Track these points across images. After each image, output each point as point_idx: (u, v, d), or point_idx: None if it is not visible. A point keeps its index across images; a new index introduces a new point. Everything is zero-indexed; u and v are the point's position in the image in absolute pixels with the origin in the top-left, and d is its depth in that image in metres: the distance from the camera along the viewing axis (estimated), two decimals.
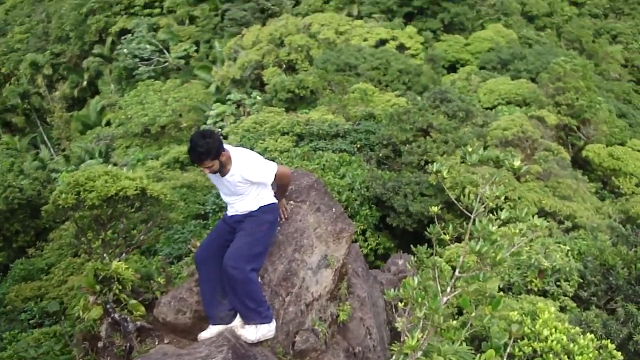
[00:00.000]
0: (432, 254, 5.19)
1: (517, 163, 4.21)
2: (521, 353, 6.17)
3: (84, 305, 5.66)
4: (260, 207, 5.19)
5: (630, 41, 48.18)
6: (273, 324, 5.11)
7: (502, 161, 4.19)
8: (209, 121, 36.66)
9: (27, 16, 59.49)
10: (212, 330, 5.08)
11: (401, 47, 39.95)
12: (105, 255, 7.76)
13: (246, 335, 4.97)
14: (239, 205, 5.21)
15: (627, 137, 30.40)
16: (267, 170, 5.10)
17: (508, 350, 5.31)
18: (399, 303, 5.15)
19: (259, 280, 5.26)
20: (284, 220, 5.63)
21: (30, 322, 13.27)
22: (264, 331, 5.02)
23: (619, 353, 6.32)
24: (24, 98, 50.74)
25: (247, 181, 5.03)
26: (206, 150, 4.77)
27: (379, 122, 24.06)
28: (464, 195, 4.62)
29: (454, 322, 4.77)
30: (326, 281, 5.73)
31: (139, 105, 40.31)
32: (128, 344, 5.57)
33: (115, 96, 47.56)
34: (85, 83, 51.28)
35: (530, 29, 45.94)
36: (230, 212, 5.33)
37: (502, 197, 4.28)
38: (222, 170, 5.00)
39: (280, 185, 5.42)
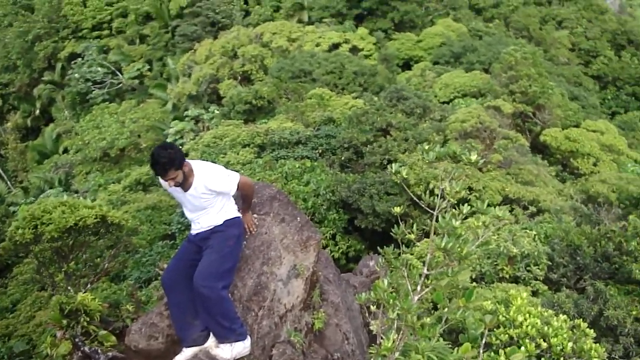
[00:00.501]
0: (399, 254, 5.19)
1: (473, 157, 4.24)
2: (498, 341, 6.23)
3: (51, 341, 5.52)
4: (225, 221, 5.16)
5: (575, 25, 49.33)
6: (248, 341, 5.05)
7: (459, 156, 4.22)
8: (169, 139, 36.21)
9: None
10: (186, 353, 5.00)
11: (354, 50, 40.17)
12: (69, 287, 7.56)
13: (222, 355, 4.91)
14: (203, 220, 5.15)
15: (580, 118, 31.11)
16: (230, 179, 5.09)
17: (485, 339, 5.35)
18: (372, 306, 5.15)
19: (229, 296, 5.19)
20: (252, 232, 5.56)
21: None
22: (239, 349, 4.96)
23: (592, 330, 6.45)
24: None
25: (211, 191, 5.02)
26: (169, 160, 4.77)
27: (339, 126, 24.15)
28: (427, 191, 4.64)
29: (428, 319, 4.77)
30: (298, 291, 5.69)
31: (95, 129, 39.63)
32: None
33: (70, 122, 46.66)
34: (37, 111, 50.20)
35: (478, 21, 46.69)
36: (194, 229, 5.25)
37: (464, 190, 4.30)
38: (185, 184, 4.97)
39: (245, 196, 5.39)
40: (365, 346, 6.58)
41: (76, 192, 33.46)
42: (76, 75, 46.56)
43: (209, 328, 5.00)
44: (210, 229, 5.15)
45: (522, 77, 28.48)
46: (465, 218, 4.54)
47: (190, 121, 36.73)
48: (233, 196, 5.30)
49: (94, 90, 46.21)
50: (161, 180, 5.06)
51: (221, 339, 4.95)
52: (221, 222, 5.15)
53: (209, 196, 5.04)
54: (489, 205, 4.36)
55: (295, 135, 22.43)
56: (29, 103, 50.76)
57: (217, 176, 5.04)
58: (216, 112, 35.11)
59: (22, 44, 50.71)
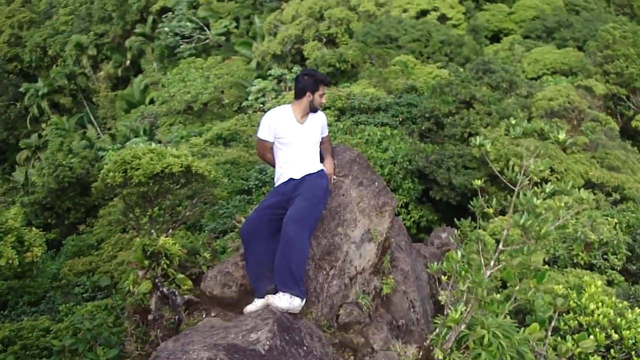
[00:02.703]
0: (475, 228, 5.16)
1: (562, 136, 4.12)
2: (566, 327, 6.12)
3: (134, 279, 5.80)
4: (318, 171, 5.39)
5: None
6: (303, 303, 5.01)
7: (547, 134, 4.12)
8: (251, 97, 36.82)
9: None
10: (257, 304, 5.11)
11: (442, 18, 39.17)
12: (152, 231, 7.95)
13: (278, 303, 4.86)
14: (302, 165, 5.37)
15: None
16: None
17: (553, 323, 5.28)
18: (442, 276, 5.16)
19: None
20: (332, 180, 5.66)
21: (84, 295, 13.78)
22: (296, 304, 4.91)
23: None
24: (70, 79, 51.88)
25: (321, 126, 5.51)
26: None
27: (421, 95, 23.79)
28: (508, 168, 4.56)
29: (498, 295, 4.75)
30: (369, 255, 5.76)
31: (181, 82, 40.71)
32: (177, 317, 5.71)
33: (157, 74, 48.15)
34: (128, 62, 52.07)
35: None
36: (289, 174, 5.39)
37: (547, 170, 4.21)
38: (304, 117, 5.41)
39: (328, 139, 5.74)
40: (430, 316, 6.60)
41: (159, 142, 34.56)
42: (166, 29, 47.78)
43: (277, 273, 4.99)
44: (303, 177, 5.32)
45: (619, 57, 26.97)
46: (545, 198, 4.45)
47: (272, 80, 37.08)
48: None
49: (181, 44, 47.33)
50: (274, 118, 5.39)
51: (284, 288, 4.93)
52: (315, 171, 5.37)
53: (319, 132, 5.49)
54: (572, 187, 4.26)
55: (376, 101, 22.30)
56: (120, 54, 52.67)
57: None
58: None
59: None
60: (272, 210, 5.21)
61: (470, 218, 5.37)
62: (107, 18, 54.10)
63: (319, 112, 5.51)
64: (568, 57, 30.29)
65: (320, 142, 5.59)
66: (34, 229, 7.11)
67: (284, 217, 5.07)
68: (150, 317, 5.76)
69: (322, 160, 5.61)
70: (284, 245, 4.95)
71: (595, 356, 5.56)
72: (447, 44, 34.08)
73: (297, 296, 4.93)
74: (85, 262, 16.54)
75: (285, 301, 4.89)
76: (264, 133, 5.46)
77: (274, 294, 5.00)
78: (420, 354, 5.14)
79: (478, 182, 4.67)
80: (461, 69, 26.61)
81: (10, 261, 6.11)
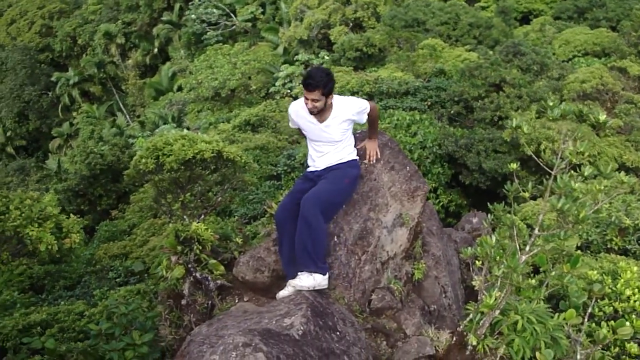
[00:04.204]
0: (509, 212, 5.09)
1: (602, 117, 4.03)
2: (601, 313, 6.04)
3: (167, 265, 5.88)
4: (347, 162, 5.34)
5: None
6: (327, 277, 5.06)
7: (585, 115, 4.02)
8: (278, 83, 36.81)
9: None
10: (290, 289, 5.17)
11: (471, 0, 38.57)
12: (185, 216, 8.04)
13: (300, 283, 4.93)
14: (326, 157, 5.33)
15: None
16: (363, 101, 5.37)
17: (589, 310, 5.20)
18: (475, 261, 5.12)
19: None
20: (371, 161, 5.66)
21: (117, 280, 14.03)
22: (319, 280, 4.96)
23: None
24: (99, 67, 52.48)
25: (350, 119, 5.27)
26: (323, 82, 4.98)
27: (450, 79, 23.52)
28: (540, 152, 4.48)
29: (533, 280, 4.70)
30: (401, 240, 5.74)
31: (208, 69, 40.86)
32: (210, 302, 5.78)
33: (185, 61, 48.38)
34: (156, 50, 52.42)
35: None
36: (314, 166, 5.42)
37: (586, 153, 4.12)
38: (321, 115, 5.19)
39: (372, 121, 5.53)
40: (461, 302, 6.57)
41: (187, 128, 34.86)
42: (192, 16, 47.92)
43: (297, 254, 5.06)
44: (330, 167, 5.30)
45: None
46: (581, 182, 4.36)
47: (300, 65, 36.98)
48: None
49: (208, 31, 47.44)
50: (294, 112, 5.34)
51: (302, 267, 4.99)
52: (343, 162, 5.32)
53: (346, 126, 5.27)
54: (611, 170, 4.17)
55: (405, 85, 22.11)
56: (148, 42, 53.05)
57: (353, 101, 5.32)
58: (326, 57, 35.11)
59: None
60: (303, 195, 5.23)
61: (502, 202, 5.30)
62: (134, 6, 54.48)
63: (346, 104, 5.28)
64: (601, 37, 29.58)
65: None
66: (72, 215, 7.24)
67: None
68: (183, 302, 5.85)
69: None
70: (300, 226, 5.00)
71: (632, 343, 5.47)
72: (475, 27, 33.56)
73: (317, 272, 4.97)
74: (119, 247, 16.82)
75: (306, 279, 4.95)
76: (290, 122, 5.57)
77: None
78: (454, 339, 5.12)
79: (514, 166, 4.59)
80: (490, 52, 26.23)
81: (50, 247, 6.25)
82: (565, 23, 34.65)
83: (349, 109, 5.25)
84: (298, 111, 5.32)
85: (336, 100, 5.24)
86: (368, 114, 5.38)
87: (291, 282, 5.02)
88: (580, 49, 29.43)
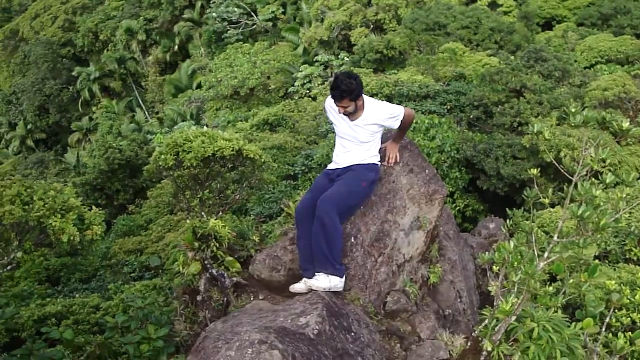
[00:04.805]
0: (527, 219, 5.06)
1: (625, 124, 3.99)
2: (618, 323, 5.97)
3: (184, 260, 5.90)
4: (367, 164, 5.36)
5: None
6: (343, 280, 5.10)
7: (608, 122, 3.99)
8: (297, 83, 36.86)
9: None
10: (305, 285, 5.17)
11: (493, 4, 38.39)
12: (202, 213, 8.07)
13: (317, 284, 4.97)
14: (350, 156, 5.37)
15: None
16: (398, 107, 5.41)
17: (607, 320, 5.14)
18: (493, 267, 5.09)
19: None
20: (390, 164, 5.66)
21: (132, 275, 14.14)
22: (336, 282, 5.01)
23: None
24: (120, 63, 52.93)
25: (380, 124, 5.30)
26: (349, 89, 5.05)
27: (470, 83, 23.44)
28: (560, 159, 4.45)
29: (550, 287, 4.66)
30: (418, 243, 5.72)
31: (228, 68, 41.05)
32: (225, 299, 5.79)
33: (205, 59, 48.65)
34: (176, 47, 52.78)
35: None
36: (336, 163, 5.46)
37: (607, 161, 4.09)
38: (353, 115, 5.24)
39: (404, 127, 5.54)
40: (476, 307, 6.54)
41: (206, 126, 35.02)
42: (213, 14, 48.19)
43: (314, 254, 5.09)
44: (350, 166, 5.33)
45: None
46: (603, 190, 4.32)
47: (319, 66, 37.02)
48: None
49: (229, 29, 47.67)
50: (328, 105, 5.45)
51: (319, 268, 5.03)
52: (364, 163, 5.34)
53: (375, 129, 5.31)
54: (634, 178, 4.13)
55: (424, 88, 22.08)
56: (169, 39, 53.42)
57: (386, 107, 5.38)
58: (346, 59, 35.12)
59: None
60: (323, 192, 5.26)
61: (523, 209, 5.27)
62: (156, 3, 54.92)
63: (378, 109, 5.31)
64: (625, 45, 29.29)
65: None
66: (94, 207, 7.32)
67: None
68: (199, 298, 5.86)
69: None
70: (316, 227, 5.04)
71: None
72: (497, 31, 33.39)
73: (334, 274, 5.01)
74: (134, 242, 16.96)
75: (323, 280, 5.00)
76: (326, 114, 5.68)
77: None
78: (468, 344, 5.10)
79: (534, 172, 4.56)
80: (512, 57, 26.06)
81: (72, 238, 6.33)
82: (588, 30, 34.35)
83: (380, 115, 5.28)
84: (332, 105, 5.40)
85: (369, 103, 5.30)
86: (401, 121, 5.39)
87: (307, 281, 5.07)
88: (602, 55, 29.18)
